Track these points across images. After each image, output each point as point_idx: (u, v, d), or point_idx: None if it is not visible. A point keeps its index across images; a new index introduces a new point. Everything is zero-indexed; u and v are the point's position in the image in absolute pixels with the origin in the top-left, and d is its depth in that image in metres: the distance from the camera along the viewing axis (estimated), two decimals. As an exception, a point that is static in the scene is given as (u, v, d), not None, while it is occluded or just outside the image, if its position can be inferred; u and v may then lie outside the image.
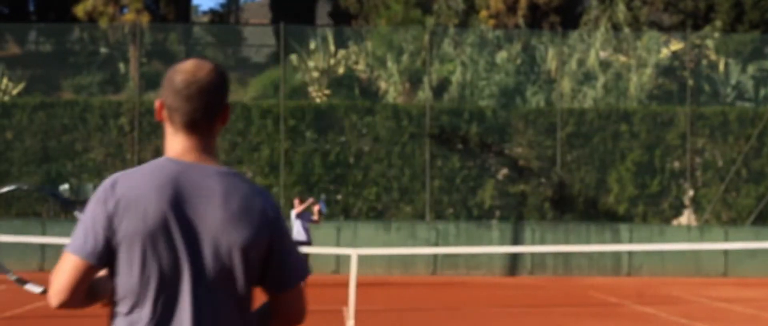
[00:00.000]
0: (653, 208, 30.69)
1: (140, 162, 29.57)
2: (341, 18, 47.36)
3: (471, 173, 30.59)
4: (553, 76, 33.54)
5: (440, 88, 33.49)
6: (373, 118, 30.57)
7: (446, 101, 32.63)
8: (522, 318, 18.63)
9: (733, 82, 34.69)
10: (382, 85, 34.83)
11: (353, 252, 16.33)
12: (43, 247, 26.73)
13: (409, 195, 30.37)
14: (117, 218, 3.22)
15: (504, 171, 30.81)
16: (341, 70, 36.43)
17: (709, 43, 35.66)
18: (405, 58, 34.22)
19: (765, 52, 36.86)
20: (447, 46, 34.41)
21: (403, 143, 30.47)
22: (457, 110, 31.26)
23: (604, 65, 33.84)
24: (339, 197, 30.33)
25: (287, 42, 33.07)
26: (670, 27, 43.16)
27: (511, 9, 42.93)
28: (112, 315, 3.32)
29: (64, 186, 29.76)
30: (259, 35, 48.18)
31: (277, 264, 3.39)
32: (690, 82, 32.50)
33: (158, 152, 29.83)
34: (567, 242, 29.05)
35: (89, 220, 3.25)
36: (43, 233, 27.35)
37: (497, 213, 30.54)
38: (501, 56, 33.77)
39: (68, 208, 3.90)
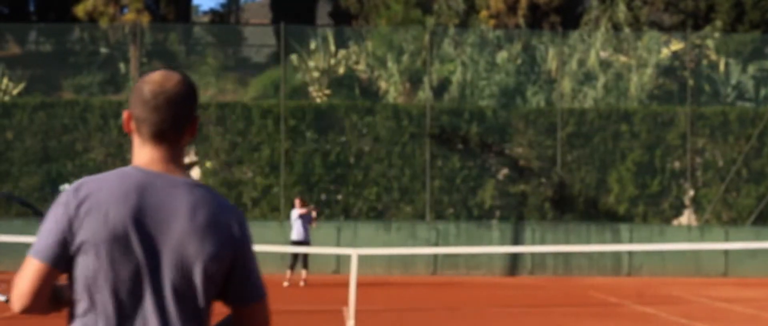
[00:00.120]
0: (653, 208, 30.68)
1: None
2: (341, 18, 47.36)
3: (471, 173, 30.58)
4: (554, 76, 33.53)
5: (440, 88, 33.49)
6: (374, 118, 30.57)
7: (446, 101, 32.63)
8: (522, 318, 18.63)
9: (733, 82, 34.69)
10: (383, 85, 34.82)
11: (353, 252, 16.33)
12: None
13: (410, 196, 30.36)
14: (78, 222, 3.20)
15: (504, 171, 30.81)
16: (341, 70, 36.42)
17: (710, 43, 35.65)
18: (405, 58, 34.21)
19: (765, 52, 36.85)
20: (447, 46, 34.41)
21: (403, 143, 30.47)
22: (457, 110, 31.26)
23: (605, 65, 33.83)
24: (339, 197, 30.33)
25: (287, 42, 33.07)
26: (671, 27, 43.15)
27: (512, 9, 42.92)
28: (69, 319, 3.29)
29: (64, 186, 29.77)
30: (259, 35, 48.17)
31: (239, 279, 3.38)
32: (690, 82, 32.50)
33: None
34: (567, 242, 29.05)
35: (51, 224, 3.22)
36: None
37: (497, 213, 30.54)
38: (501, 56, 33.76)
39: (33, 211, 3.90)
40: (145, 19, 39.98)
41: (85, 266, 3.21)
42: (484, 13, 41.84)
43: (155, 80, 3.36)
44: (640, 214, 30.62)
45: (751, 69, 35.09)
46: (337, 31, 39.05)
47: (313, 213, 24.76)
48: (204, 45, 44.84)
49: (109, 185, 3.25)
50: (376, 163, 30.40)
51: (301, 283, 24.39)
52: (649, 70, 33.55)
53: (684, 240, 28.97)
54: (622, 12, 38.25)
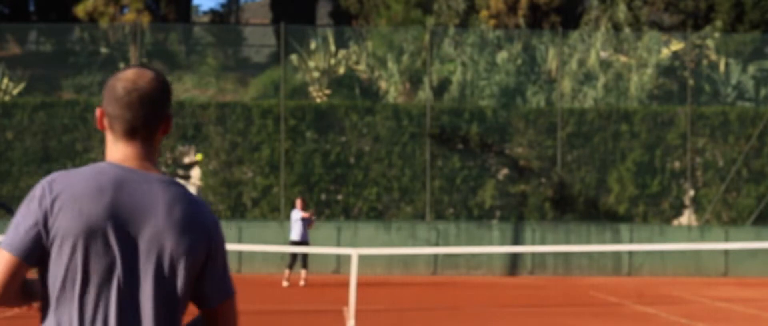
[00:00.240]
0: (654, 208, 30.69)
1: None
2: (342, 18, 47.39)
3: (471, 173, 30.58)
4: (554, 76, 33.53)
5: (441, 88, 33.49)
6: (374, 118, 30.57)
7: (446, 101, 32.63)
8: (522, 318, 18.63)
9: (733, 81, 34.68)
10: (383, 85, 34.82)
11: (354, 252, 16.33)
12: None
13: (410, 195, 30.36)
14: (52, 216, 3.19)
15: (504, 171, 30.81)
16: (342, 70, 36.42)
17: (710, 43, 35.64)
18: (405, 58, 34.21)
19: (765, 52, 36.85)
20: (447, 46, 34.41)
21: (403, 143, 30.47)
22: (457, 110, 31.26)
23: (605, 65, 33.83)
24: (339, 197, 30.33)
25: (287, 42, 33.07)
26: (671, 27, 43.17)
27: (512, 9, 42.93)
28: (42, 314, 3.28)
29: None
30: (259, 35, 48.19)
31: (212, 276, 3.38)
32: (690, 82, 32.50)
33: (159, 152, 29.84)
34: (567, 242, 29.05)
35: (23, 217, 3.21)
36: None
37: (497, 213, 30.54)
38: (501, 56, 33.76)
39: (6, 209, 3.89)
40: (145, 19, 39.99)
41: (59, 261, 3.20)
42: (484, 13, 41.85)
43: (128, 77, 3.36)
44: (641, 214, 30.62)
45: (751, 69, 35.09)
46: (337, 31, 39.05)
47: (312, 218, 24.82)
48: (204, 45, 44.85)
49: (84, 180, 3.24)
50: (376, 162, 30.40)
51: (302, 282, 24.39)
52: (649, 70, 33.55)
53: (684, 240, 28.98)
54: (622, 12, 38.26)
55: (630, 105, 32.29)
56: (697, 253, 28.75)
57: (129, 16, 40.94)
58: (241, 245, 27.25)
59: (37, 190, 3.24)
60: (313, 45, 36.81)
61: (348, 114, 30.52)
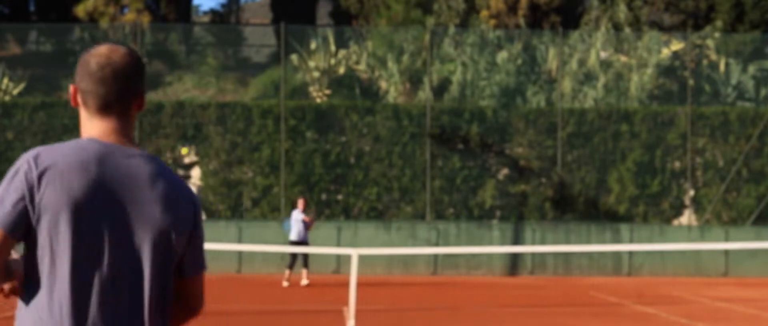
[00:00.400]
0: (654, 208, 30.69)
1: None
2: (342, 18, 47.39)
3: (471, 173, 30.58)
4: (554, 76, 33.53)
5: (441, 88, 33.49)
6: (374, 118, 30.57)
7: (447, 101, 32.63)
8: (522, 318, 18.63)
9: (733, 81, 34.68)
10: (383, 85, 34.82)
11: (354, 252, 16.33)
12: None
13: (410, 195, 30.36)
14: (39, 190, 3.19)
15: (504, 171, 30.80)
16: (342, 70, 36.42)
17: (710, 43, 35.64)
18: (405, 58, 34.22)
19: (765, 52, 36.85)
20: (447, 46, 34.41)
21: (403, 143, 30.47)
22: (457, 110, 31.26)
23: (605, 65, 33.83)
24: (339, 197, 30.33)
25: (288, 42, 33.07)
26: (671, 27, 43.16)
27: (512, 9, 42.93)
28: (26, 291, 3.25)
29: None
30: (259, 35, 48.19)
31: (193, 248, 3.45)
32: (690, 82, 32.50)
33: (158, 152, 29.86)
34: (567, 242, 29.05)
35: (8, 191, 3.20)
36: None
37: (498, 213, 30.54)
38: (501, 56, 33.76)
39: None
40: (145, 19, 40.00)
41: (47, 236, 3.20)
42: (484, 13, 41.85)
43: (102, 53, 3.38)
44: (641, 214, 30.62)
45: (752, 69, 35.09)
46: (338, 31, 39.04)
47: (312, 220, 24.86)
48: (204, 45, 44.85)
49: (69, 155, 3.25)
50: (377, 162, 30.40)
51: (305, 282, 24.39)
52: (650, 70, 33.55)
53: (684, 240, 28.97)
54: (622, 12, 38.26)
55: (630, 105, 32.29)
56: (697, 253, 28.75)
57: (129, 16, 40.95)
58: (240, 245, 27.25)
59: (21, 164, 3.23)
60: (313, 45, 36.81)
61: (348, 114, 30.52)
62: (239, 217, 29.93)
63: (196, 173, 30.80)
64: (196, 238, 3.45)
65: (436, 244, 29.05)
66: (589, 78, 33.58)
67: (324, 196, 30.15)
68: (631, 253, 29.25)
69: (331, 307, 18.74)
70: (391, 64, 34.29)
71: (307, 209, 25.42)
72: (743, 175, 30.75)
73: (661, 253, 28.85)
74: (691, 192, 30.93)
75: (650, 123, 30.94)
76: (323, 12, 52.54)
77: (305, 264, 24.63)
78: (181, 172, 30.98)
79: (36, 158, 3.23)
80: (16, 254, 3.29)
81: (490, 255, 29.19)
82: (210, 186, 30.31)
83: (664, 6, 45.02)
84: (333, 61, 36.40)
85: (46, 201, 3.18)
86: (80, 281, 3.21)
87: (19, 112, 30.29)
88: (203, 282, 3.55)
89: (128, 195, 3.28)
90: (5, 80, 34.74)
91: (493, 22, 41.15)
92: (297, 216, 24.51)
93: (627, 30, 35.79)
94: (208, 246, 22.23)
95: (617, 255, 29.28)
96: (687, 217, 30.92)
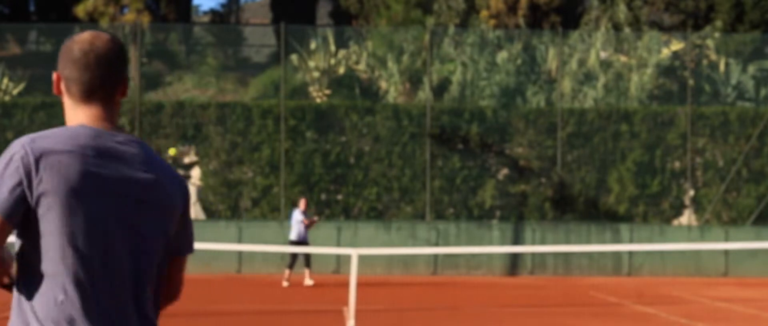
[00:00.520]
0: (654, 208, 30.69)
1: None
2: (342, 18, 47.39)
3: (471, 173, 30.58)
4: (554, 76, 33.54)
5: (441, 88, 33.50)
6: (374, 117, 30.57)
7: (447, 101, 32.63)
8: (522, 318, 18.63)
9: (733, 82, 34.69)
10: (383, 85, 34.83)
11: (354, 252, 16.33)
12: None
13: (410, 195, 30.36)
14: (36, 177, 3.17)
15: (504, 171, 30.80)
16: (342, 70, 36.43)
17: (710, 43, 35.65)
18: (405, 58, 34.22)
19: (765, 52, 36.85)
20: (447, 46, 34.42)
21: (403, 143, 30.47)
22: (457, 110, 31.26)
23: (605, 65, 33.84)
24: (339, 197, 30.33)
25: (288, 42, 33.07)
26: (671, 27, 43.17)
27: (512, 9, 42.94)
28: (25, 278, 3.24)
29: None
30: (259, 35, 48.20)
31: (184, 228, 3.49)
32: (690, 82, 32.50)
33: (159, 151, 29.86)
34: (567, 242, 29.05)
35: (6, 178, 3.17)
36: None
37: (498, 213, 30.54)
38: (501, 56, 33.76)
39: None
40: (145, 19, 39.99)
41: (49, 223, 3.19)
42: (484, 13, 41.85)
43: (85, 39, 3.38)
44: (641, 214, 30.62)
45: (751, 69, 35.09)
46: (338, 31, 39.05)
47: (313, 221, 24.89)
48: (204, 45, 44.86)
49: (64, 141, 3.25)
50: (376, 162, 30.40)
51: (310, 282, 24.39)
52: (650, 70, 33.55)
53: (684, 240, 28.97)
54: (622, 12, 38.27)
55: (630, 105, 32.29)
56: (697, 253, 28.75)
57: (129, 16, 40.95)
58: (240, 245, 27.25)
59: (17, 150, 3.20)
60: (313, 45, 36.81)
61: (348, 114, 30.52)
62: (239, 217, 29.93)
63: (196, 173, 30.80)
64: (186, 219, 3.49)
65: (436, 244, 29.05)
66: (589, 78, 33.58)
67: (324, 196, 30.15)
68: (631, 253, 29.25)
69: (331, 307, 18.74)
70: (391, 64, 34.30)
71: (307, 211, 25.38)
72: (743, 175, 30.76)
73: (661, 253, 28.85)
74: (691, 192, 30.93)
75: (650, 123, 30.94)
76: (323, 12, 52.55)
77: (307, 265, 24.64)
78: (181, 172, 31.00)
79: (31, 144, 3.21)
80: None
81: (490, 255, 29.19)
82: (210, 186, 30.31)
83: (664, 6, 45.03)
84: (333, 61, 36.40)
85: (45, 187, 3.17)
86: (86, 264, 3.22)
87: (19, 112, 30.29)
88: (185, 266, 3.57)
89: (124, 178, 3.30)
90: (5, 80, 34.75)
91: (493, 22, 41.15)
92: (297, 217, 24.51)
93: (627, 30, 35.79)
94: (208, 246, 22.26)
95: (617, 255, 29.28)
96: (687, 217, 30.92)
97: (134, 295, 3.31)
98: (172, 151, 27.40)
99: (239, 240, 28.30)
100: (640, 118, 30.98)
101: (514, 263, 29.45)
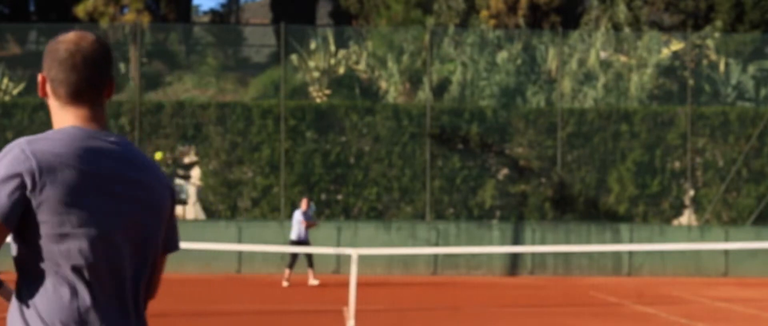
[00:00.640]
0: (654, 208, 30.68)
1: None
2: (342, 18, 47.40)
3: (471, 173, 30.58)
4: (554, 76, 33.54)
5: (441, 88, 33.50)
6: (374, 117, 30.57)
7: (446, 101, 32.63)
8: (522, 318, 18.63)
9: (733, 82, 34.69)
10: (383, 84, 34.83)
11: (354, 252, 16.33)
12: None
13: (410, 195, 30.36)
14: (39, 180, 3.14)
15: (504, 171, 30.80)
16: (342, 70, 36.44)
17: (710, 43, 35.65)
18: (405, 58, 34.22)
19: (765, 52, 36.85)
20: (447, 46, 34.42)
21: (403, 143, 30.47)
22: (457, 110, 31.26)
23: (605, 65, 33.84)
24: (339, 197, 30.33)
25: (288, 42, 33.07)
26: (671, 27, 43.18)
27: (512, 9, 42.94)
28: (26, 283, 3.21)
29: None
30: (259, 35, 48.21)
31: (171, 225, 3.51)
32: (690, 82, 32.50)
33: (158, 149, 29.86)
34: (567, 242, 29.05)
35: (7, 181, 3.13)
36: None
37: (498, 213, 30.53)
38: (501, 56, 33.76)
39: None
40: (145, 19, 40.00)
41: (51, 226, 3.16)
42: (484, 13, 41.86)
43: (71, 39, 3.36)
44: (641, 214, 30.62)
45: (751, 69, 35.09)
46: (338, 31, 39.06)
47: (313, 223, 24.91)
48: (204, 45, 44.87)
49: (61, 143, 3.23)
50: (376, 162, 30.40)
51: (315, 282, 24.37)
52: (649, 70, 33.56)
53: (684, 240, 28.96)
54: (622, 12, 38.29)
55: (630, 105, 32.29)
56: (697, 253, 28.74)
57: (129, 16, 40.95)
58: (240, 245, 27.25)
59: (15, 153, 3.17)
60: (313, 45, 36.82)
61: (348, 114, 30.52)
62: (239, 217, 29.93)
63: (196, 173, 30.80)
64: (173, 217, 3.50)
65: (436, 244, 29.04)
66: (589, 78, 33.58)
67: (324, 196, 30.15)
68: (631, 253, 29.24)
69: (331, 307, 18.74)
70: (391, 64, 34.30)
71: (309, 210, 25.32)
72: (743, 175, 30.75)
73: (661, 253, 28.85)
74: (691, 192, 30.93)
75: (650, 123, 30.93)
76: (323, 12, 52.55)
77: (310, 265, 24.64)
78: (180, 172, 31.00)
79: (29, 147, 3.19)
80: None
81: (490, 255, 29.18)
82: (210, 186, 30.31)
83: (664, 6, 45.04)
84: (333, 61, 36.41)
85: (47, 191, 3.15)
86: (91, 265, 3.21)
87: (19, 112, 30.29)
88: (164, 264, 3.59)
89: (122, 178, 3.30)
90: (5, 80, 34.75)
91: (493, 22, 41.16)
92: (297, 217, 24.49)
93: (627, 30, 35.81)
94: (208, 246, 22.26)
95: (617, 255, 29.28)
96: (687, 217, 30.91)
97: (133, 295, 3.33)
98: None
99: (239, 240, 28.29)
100: (640, 118, 30.98)
101: (514, 263, 29.45)
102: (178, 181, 31.05)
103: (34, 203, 3.15)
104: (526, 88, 33.48)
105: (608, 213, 30.53)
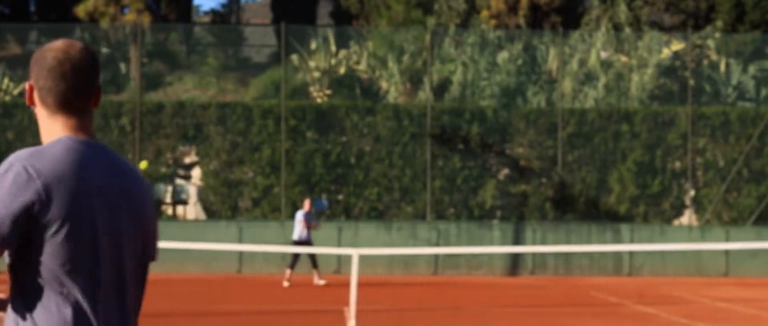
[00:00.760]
0: (654, 208, 30.68)
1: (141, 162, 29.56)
2: (342, 18, 47.38)
3: (472, 173, 30.58)
4: (554, 76, 33.53)
5: (441, 88, 33.49)
6: (374, 118, 30.57)
7: (447, 101, 32.63)
8: (523, 318, 18.63)
9: (734, 82, 34.68)
10: (383, 85, 34.83)
11: (354, 252, 16.33)
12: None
13: (410, 196, 30.36)
14: (44, 199, 3.11)
15: (505, 171, 30.80)
16: (342, 70, 36.43)
17: (710, 43, 35.64)
18: (406, 58, 34.22)
19: (766, 52, 36.84)
20: (448, 46, 34.41)
21: (404, 143, 30.47)
22: (458, 110, 31.26)
23: (605, 65, 33.83)
24: (340, 197, 30.33)
25: (288, 42, 33.07)
26: (671, 27, 43.17)
27: (512, 9, 42.93)
28: (24, 297, 3.19)
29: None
30: (260, 35, 48.20)
31: (153, 234, 3.50)
32: (691, 82, 32.49)
33: (160, 152, 29.87)
34: (568, 242, 29.04)
35: (6, 198, 3.10)
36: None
37: (498, 213, 30.53)
38: (502, 56, 33.76)
39: None
40: (145, 19, 39.99)
41: (55, 242, 3.14)
42: (484, 13, 41.85)
43: (59, 47, 3.33)
44: (641, 214, 30.61)
45: (752, 69, 35.09)
46: (338, 31, 39.06)
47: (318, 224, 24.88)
48: (205, 45, 44.86)
49: (63, 159, 3.21)
50: (377, 163, 30.40)
51: (321, 282, 24.35)
52: (650, 70, 33.55)
53: (685, 240, 28.95)
54: (622, 12, 38.27)
55: (630, 105, 32.29)
56: (697, 253, 28.73)
57: (129, 16, 40.94)
58: (241, 245, 27.25)
59: (18, 171, 3.13)
60: (313, 45, 36.82)
61: (349, 114, 30.52)
62: (239, 217, 29.93)
63: (196, 173, 30.80)
64: (157, 225, 3.51)
65: (437, 244, 29.03)
66: (589, 78, 33.58)
67: (324, 196, 30.14)
68: (631, 253, 29.23)
69: (332, 307, 18.73)
70: (392, 64, 34.29)
71: (318, 209, 25.26)
72: (744, 175, 30.75)
73: (662, 253, 28.84)
74: (692, 193, 30.92)
75: (651, 123, 30.93)
76: (323, 12, 52.54)
77: (314, 265, 24.63)
78: (181, 172, 31.00)
79: (32, 164, 3.16)
80: None
81: (490, 256, 29.17)
82: (210, 187, 30.31)
83: (665, 6, 45.03)
84: (333, 61, 36.40)
85: (53, 208, 3.13)
86: (94, 277, 3.21)
87: (20, 112, 30.28)
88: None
89: (116, 188, 3.30)
90: (6, 80, 34.76)
91: (493, 22, 41.16)
92: (299, 217, 24.45)
93: (627, 30, 35.79)
94: (208, 246, 22.27)
95: (618, 255, 29.27)
96: (687, 217, 30.91)
97: (134, 304, 3.37)
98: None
99: (240, 241, 28.28)
100: (640, 118, 30.98)
101: (514, 263, 29.44)
102: (179, 181, 31.06)
103: (39, 223, 3.13)
104: (526, 88, 33.48)
105: (609, 213, 30.53)
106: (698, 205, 30.89)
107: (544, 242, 29.24)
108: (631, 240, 29.23)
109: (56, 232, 3.14)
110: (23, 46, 43.66)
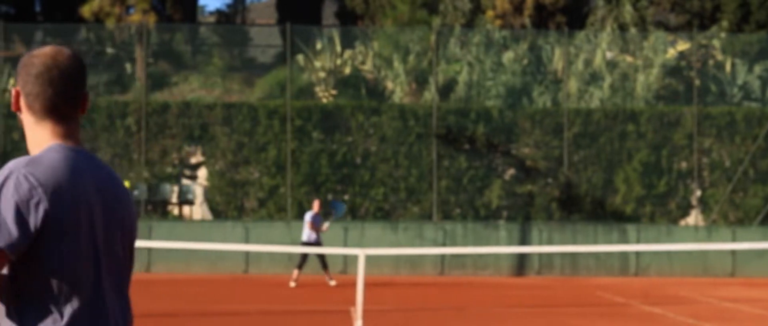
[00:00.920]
0: (660, 208, 30.65)
1: (147, 162, 29.58)
2: (348, 18, 47.39)
3: (478, 173, 30.57)
4: (560, 77, 33.51)
5: (447, 88, 33.48)
6: (380, 118, 30.56)
7: (453, 101, 32.62)
8: (529, 318, 18.62)
9: (739, 82, 34.63)
10: (389, 85, 34.82)
11: (361, 253, 16.32)
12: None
13: (416, 196, 30.35)
14: (44, 207, 3.11)
15: (511, 171, 30.79)
16: (348, 71, 36.42)
17: (716, 43, 35.60)
18: (411, 58, 34.21)
19: (772, 52, 36.76)
20: (453, 47, 34.40)
21: (409, 143, 30.46)
22: (463, 110, 31.25)
23: (611, 65, 33.80)
24: (346, 197, 30.32)
25: (293, 42, 33.08)
26: (677, 27, 43.11)
27: (518, 9, 42.90)
28: (20, 306, 3.16)
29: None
30: (265, 35, 48.18)
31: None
32: (697, 82, 32.46)
33: (165, 152, 29.88)
34: (574, 242, 29.02)
35: (8, 209, 3.08)
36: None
37: (504, 213, 30.52)
38: (507, 56, 33.74)
39: None
40: (151, 19, 40.00)
41: (53, 251, 3.14)
42: (490, 14, 41.83)
43: (46, 53, 3.32)
44: (647, 214, 30.59)
45: (758, 69, 35.03)
46: (344, 31, 39.06)
47: (325, 226, 24.79)
48: (210, 45, 44.87)
49: (60, 168, 3.20)
50: (383, 163, 30.39)
51: (333, 282, 24.33)
52: (656, 70, 33.51)
53: (691, 240, 28.93)
54: (628, 12, 38.24)
55: (636, 105, 32.26)
56: (704, 253, 28.71)
57: (135, 16, 40.96)
58: (247, 245, 27.25)
59: (19, 181, 3.11)
60: (319, 45, 36.81)
61: (354, 114, 30.52)
62: (245, 218, 29.93)
63: (202, 173, 30.81)
64: (137, 224, 3.52)
65: (443, 244, 29.03)
66: (595, 78, 33.55)
67: (330, 197, 30.13)
68: (638, 253, 29.21)
69: (339, 307, 18.73)
70: (397, 65, 34.28)
71: (335, 212, 25.26)
72: (750, 175, 30.72)
73: (668, 253, 28.82)
74: (698, 193, 30.89)
75: (656, 123, 30.91)
76: (329, 12, 52.53)
77: (324, 266, 24.60)
78: (187, 172, 31.02)
79: (31, 173, 3.14)
80: None
81: (497, 256, 29.16)
82: (216, 187, 30.31)
83: (670, 6, 44.98)
84: (339, 62, 36.40)
85: (56, 216, 3.13)
86: (93, 285, 3.22)
87: (26, 113, 30.29)
88: None
89: (109, 195, 3.30)
90: (11, 80, 34.77)
91: (498, 22, 41.13)
92: (307, 219, 24.41)
93: (633, 30, 35.77)
94: (214, 246, 22.25)
95: (624, 255, 29.25)
96: (694, 217, 30.88)
97: (129, 308, 3.39)
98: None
99: (246, 241, 28.29)
100: (646, 118, 30.95)
101: (521, 263, 29.43)
102: (185, 182, 31.07)
103: (43, 231, 3.13)
104: (532, 88, 33.46)
105: (615, 213, 30.50)
106: (704, 205, 30.86)
107: (550, 242, 29.23)
108: (638, 241, 29.20)
109: (59, 240, 3.15)
110: (28, 47, 43.69)
